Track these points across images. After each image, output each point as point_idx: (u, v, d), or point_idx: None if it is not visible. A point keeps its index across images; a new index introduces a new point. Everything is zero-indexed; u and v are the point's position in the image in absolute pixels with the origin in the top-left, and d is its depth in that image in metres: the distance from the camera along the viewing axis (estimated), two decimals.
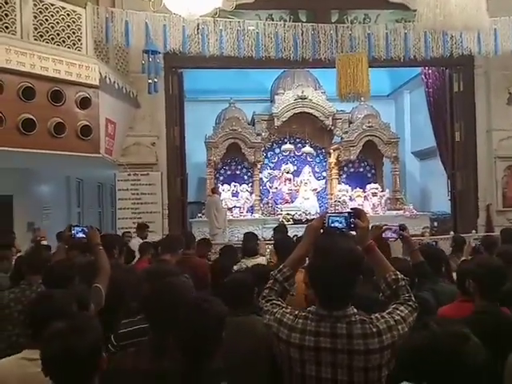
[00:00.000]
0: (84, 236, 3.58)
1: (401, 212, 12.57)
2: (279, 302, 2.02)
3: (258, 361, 2.50)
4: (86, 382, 1.64)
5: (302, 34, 8.87)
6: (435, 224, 12.67)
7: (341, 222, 2.04)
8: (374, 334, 1.82)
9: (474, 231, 9.86)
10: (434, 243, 4.64)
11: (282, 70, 13.55)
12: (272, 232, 6.73)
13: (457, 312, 2.68)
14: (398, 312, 1.91)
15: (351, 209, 2.19)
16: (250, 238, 5.61)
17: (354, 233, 2.06)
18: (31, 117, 6.77)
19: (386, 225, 2.99)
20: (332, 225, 2.04)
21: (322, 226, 2.07)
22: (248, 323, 2.61)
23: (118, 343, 2.55)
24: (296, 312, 1.95)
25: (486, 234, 8.03)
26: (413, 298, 1.99)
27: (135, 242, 7.16)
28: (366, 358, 1.81)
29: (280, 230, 6.06)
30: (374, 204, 13.00)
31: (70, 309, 2.22)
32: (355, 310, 1.89)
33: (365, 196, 13.26)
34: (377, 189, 13.30)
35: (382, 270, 2.05)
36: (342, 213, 2.10)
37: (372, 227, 2.72)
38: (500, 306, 2.63)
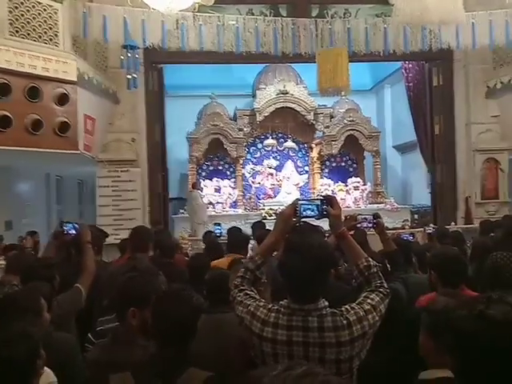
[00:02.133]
0: (75, 233, 3.54)
1: (382, 205, 12.67)
2: (252, 294, 2.02)
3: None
4: None
5: (282, 29, 8.87)
6: (416, 217, 12.82)
7: (313, 210, 2.03)
8: (344, 326, 1.84)
9: (453, 223, 10.00)
10: (411, 236, 4.74)
11: (264, 65, 13.52)
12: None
13: None
14: (369, 301, 1.92)
15: (323, 196, 2.19)
16: (234, 233, 5.61)
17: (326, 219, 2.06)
18: (7, 114, 6.66)
19: (360, 214, 3.03)
20: (304, 213, 2.02)
21: (293, 213, 2.04)
22: (227, 320, 2.61)
23: (96, 340, 2.54)
24: (269, 306, 1.95)
25: (439, 226, 8.08)
26: (384, 285, 2.00)
27: None
28: (337, 350, 1.82)
29: (258, 226, 6.05)
30: (355, 198, 13.10)
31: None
32: (326, 303, 1.89)
33: (347, 190, 13.35)
34: (358, 183, 13.40)
35: (354, 256, 2.05)
36: (313, 200, 2.08)
37: (346, 217, 2.74)
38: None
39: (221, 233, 5.79)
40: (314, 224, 2.16)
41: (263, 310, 1.93)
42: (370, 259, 2.05)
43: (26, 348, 1.63)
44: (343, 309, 1.90)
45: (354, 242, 2.08)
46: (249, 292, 2.01)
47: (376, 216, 3.09)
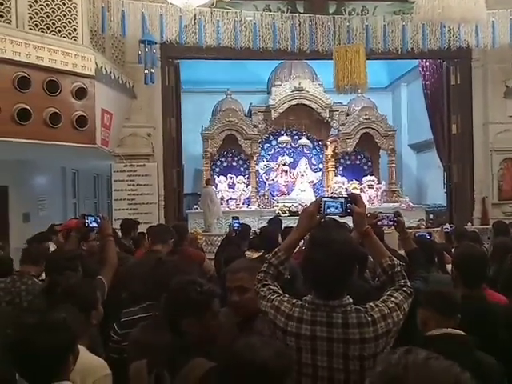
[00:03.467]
0: (97, 225, 3.58)
1: (397, 204, 12.59)
2: (276, 288, 2.02)
3: None
4: (51, 377, 1.65)
5: (299, 25, 8.85)
6: (431, 216, 12.73)
7: (337, 207, 2.03)
8: (368, 323, 1.84)
9: (469, 224, 9.90)
10: (429, 235, 4.72)
11: (279, 62, 13.50)
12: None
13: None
14: (393, 299, 1.92)
15: (348, 194, 2.19)
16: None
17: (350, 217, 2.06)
18: (26, 107, 6.72)
19: (380, 213, 3.03)
20: (328, 210, 2.03)
21: (317, 211, 2.05)
22: None
23: (121, 331, 2.65)
24: (293, 301, 1.96)
25: (457, 226, 8.03)
26: (408, 284, 2.00)
27: None
28: (361, 346, 1.83)
29: (274, 222, 6.07)
30: (370, 196, 13.02)
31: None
32: (351, 300, 1.90)
33: (361, 188, 13.28)
34: (373, 181, 13.33)
35: (378, 255, 2.06)
36: (337, 197, 2.08)
37: (366, 215, 2.75)
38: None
39: (239, 227, 5.79)
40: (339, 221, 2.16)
41: (287, 304, 1.94)
42: (394, 258, 2.04)
43: (64, 339, 1.64)
44: (367, 306, 1.90)
45: (378, 240, 2.08)
46: (272, 287, 2.02)
47: (397, 214, 3.08)
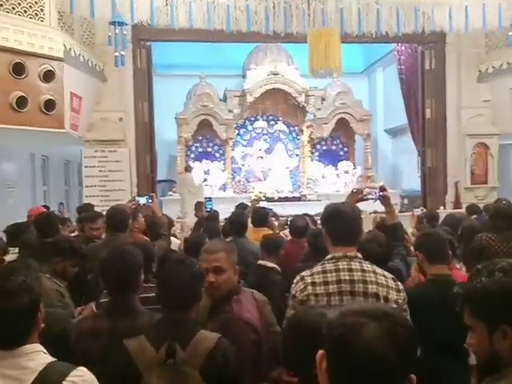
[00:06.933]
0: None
1: None
2: None
3: None
4: (22, 339, 1.63)
5: (273, 7, 8.69)
6: (406, 201, 12.83)
7: None
8: (382, 272, 2.28)
9: (442, 207, 10.01)
10: None
11: (255, 45, 13.33)
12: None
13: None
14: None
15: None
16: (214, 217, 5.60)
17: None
18: None
19: (367, 187, 3.10)
20: None
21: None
22: None
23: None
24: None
25: (428, 209, 8.17)
26: None
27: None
28: (376, 286, 2.20)
29: (240, 207, 6.08)
30: (345, 182, 13.06)
31: None
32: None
33: (337, 174, 13.31)
34: (349, 166, 13.35)
35: None
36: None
37: (353, 191, 2.84)
38: None
39: (211, 208, 5.77)
40: None
41: (307, 271, 2.31)
42: None
43: (28, 300, 1.62)
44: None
45: None
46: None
47: (382, 188, 3.07)
